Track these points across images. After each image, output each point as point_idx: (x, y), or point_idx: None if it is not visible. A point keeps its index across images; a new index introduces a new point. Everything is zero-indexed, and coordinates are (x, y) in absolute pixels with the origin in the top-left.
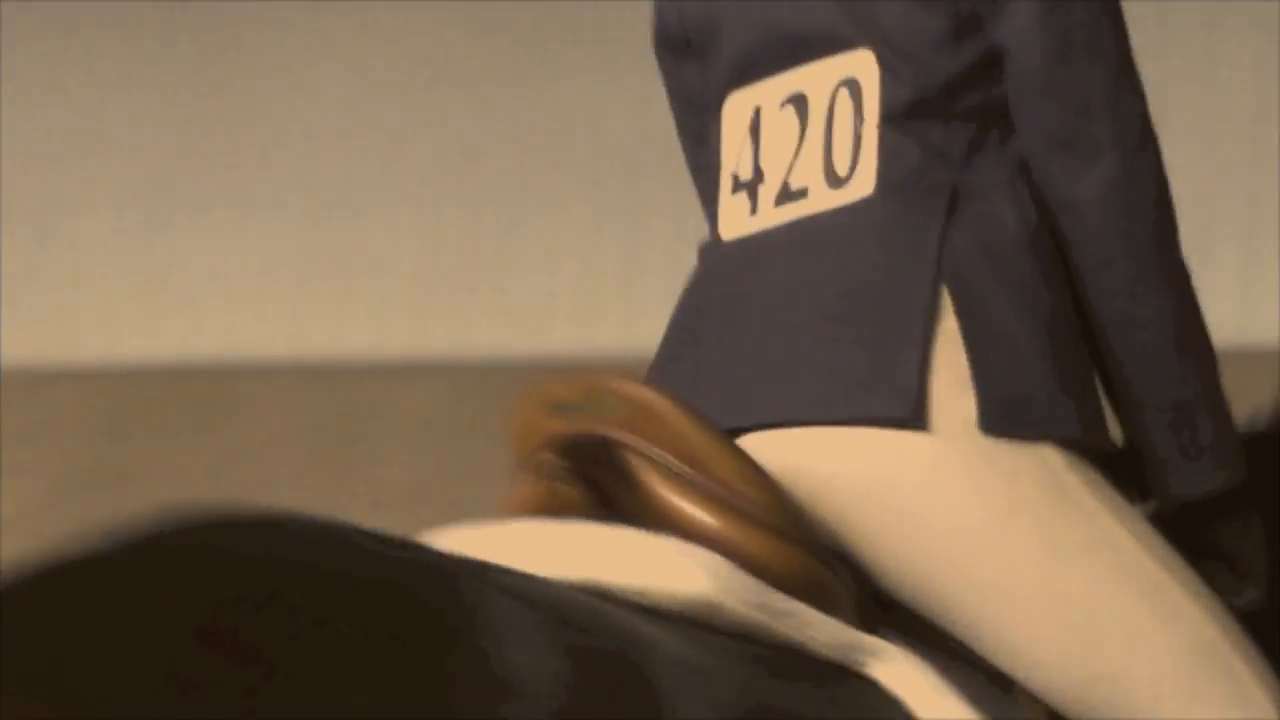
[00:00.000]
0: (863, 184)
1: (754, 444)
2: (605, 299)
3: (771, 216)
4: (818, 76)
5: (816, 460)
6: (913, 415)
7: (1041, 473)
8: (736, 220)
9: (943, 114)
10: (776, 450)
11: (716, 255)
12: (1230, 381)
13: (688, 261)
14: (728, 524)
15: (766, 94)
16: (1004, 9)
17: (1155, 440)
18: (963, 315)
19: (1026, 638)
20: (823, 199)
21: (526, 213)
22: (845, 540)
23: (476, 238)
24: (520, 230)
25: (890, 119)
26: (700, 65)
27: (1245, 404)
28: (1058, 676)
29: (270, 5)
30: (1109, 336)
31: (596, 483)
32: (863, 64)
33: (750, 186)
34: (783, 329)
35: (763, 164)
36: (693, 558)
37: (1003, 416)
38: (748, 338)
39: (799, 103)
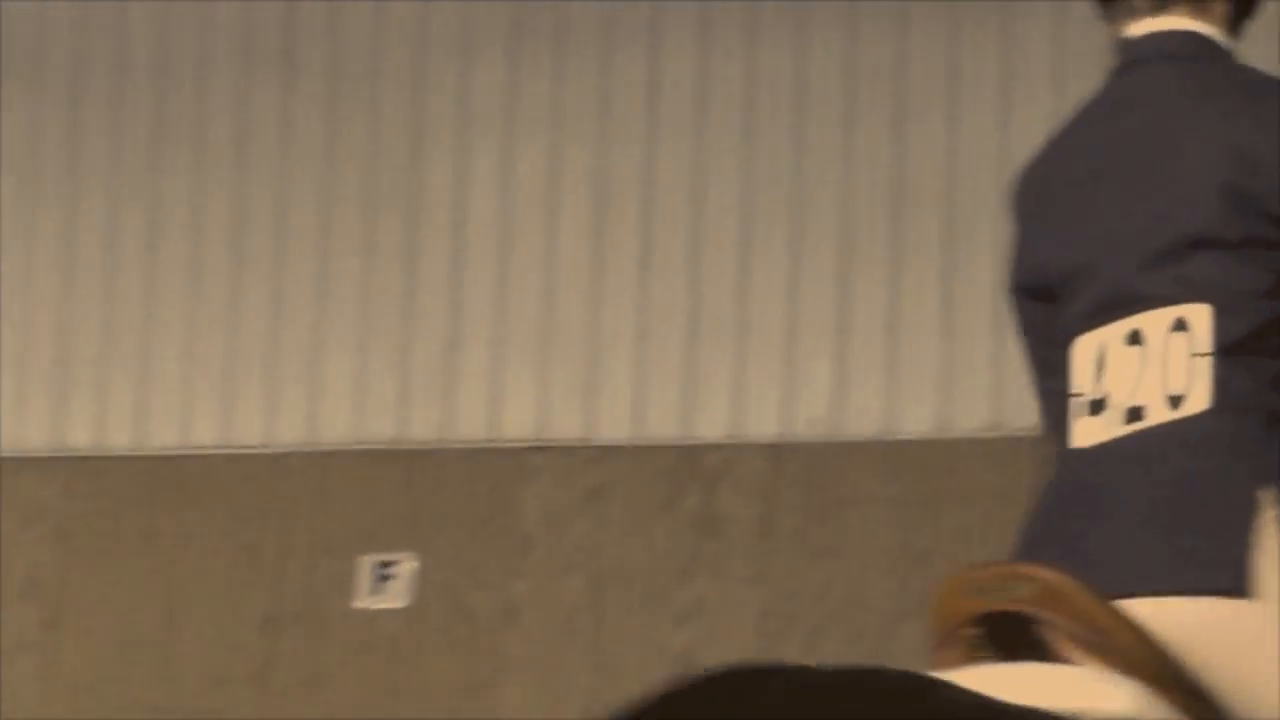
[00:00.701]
0: (1197, 402)
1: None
2: (204, 396)
3: (1119, 430)
4: (1154, 321)
5: (1182, 628)
6: (1243, 588)
7: None
8: (1089, 433)
9: (1260, 350)
10: (1153, 619)
11: (1074, 461)
12: None
13: (289, 359)
14: (1132, 676)
15: (1111, 335)
16: None
17: None
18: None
19: None
20: (1161, 414)
21: (128, 311)
22: (1205, 689)
23: (81, 335)
24: (123, 328)
25: (1221, 352)
26: (1052, 309)
27: None
28: None
29: None
30: None
31: (1012, 650)
32: (1195, 312)
33: (1099, 407)
34: (1138, 518)
35: (1110, 389)
36: (1116, 684)
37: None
38: (1110, 525)
39: (1138, 339)
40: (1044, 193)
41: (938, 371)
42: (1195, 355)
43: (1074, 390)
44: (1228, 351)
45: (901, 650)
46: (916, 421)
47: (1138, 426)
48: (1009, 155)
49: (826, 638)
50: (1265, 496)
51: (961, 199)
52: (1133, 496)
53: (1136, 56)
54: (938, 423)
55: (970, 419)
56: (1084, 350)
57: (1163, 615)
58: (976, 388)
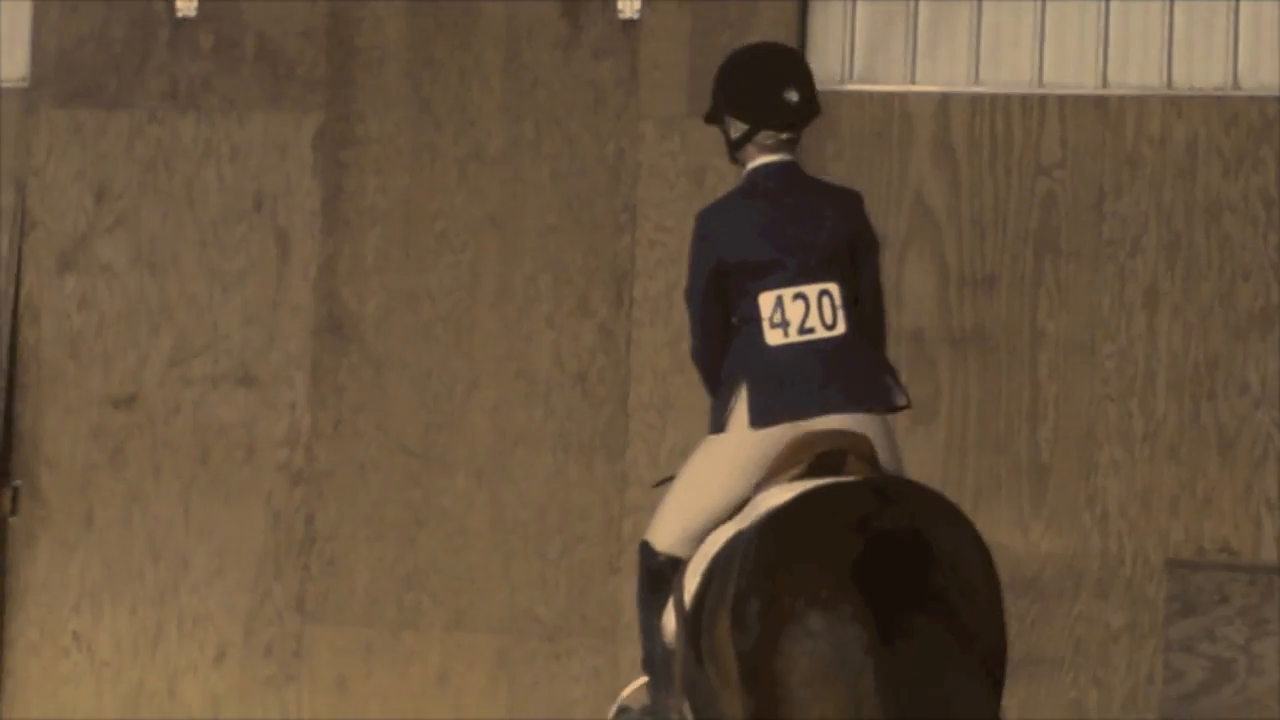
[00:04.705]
0: (841, 328)
1: (855, 424)
2: None
3: (797, 339)
4: (812, 287)
5: (872, 426)
6: (892, 408)
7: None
8: (776, 339)
9: (859, 302)
10: (867, 430)
11: (772, 350)
12: None
13: None
14: (871, 471)
15: (785, 293)
16: (866, 271)
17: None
18: (887, 371)
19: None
20: (824, 334)
21: None
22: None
23: None
24: None
25: (845, 303)
26: (733, 278)
27: None
28: None
29: None
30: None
31: (834, 466)
32: (832, 285)
33: (782, 326)
34: (839, 379)
35: (787, 317)
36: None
37: (897, 408)
38: (828, 384)
39: (802, 296)
40: (733, 227)
41: None
42: (836, 307)
43: (763, 317)
44: (848, 305)
45: None
46: None
47: (811, 337)
48: None
49: None
50: (887, 372)
51: None
52: (831, 367)
53: (771, 172)
54: None
55: None
56: (768, 298)
57: (864, 422)
58: None
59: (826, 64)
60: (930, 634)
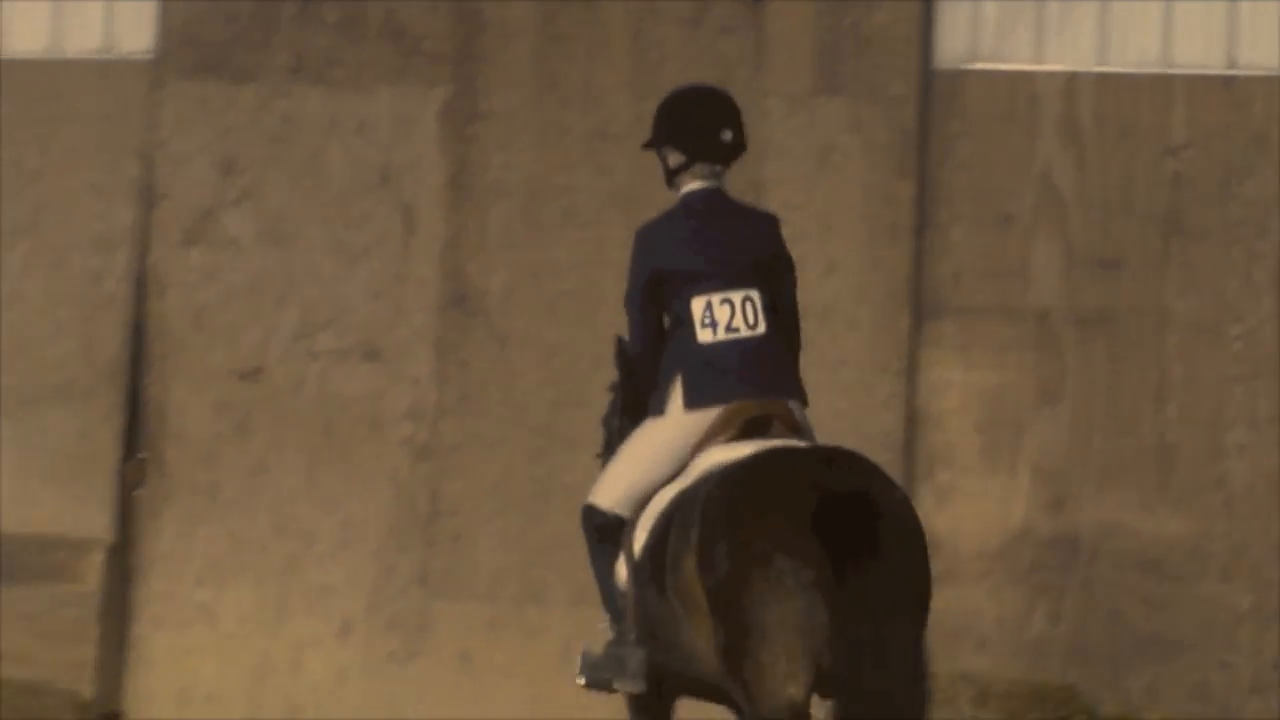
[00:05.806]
0: (761, 328)
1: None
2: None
3: (724, 337)
4: (736, 293)
5: (793, 411)
6: (802, 398)
7: None
8: (706, 337)
9: (776, 310)
10: (790, 411)
11: (704, 346)
12: None
13: None
14: (795, 436)
15: (714, 297)
16: (783, 285)
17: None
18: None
19: None
20: (748, 332)
21: None
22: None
23: None
24: None
25: (765, 308)
26: (667, 285)
27: None
28: None
29: None
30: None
31: (762, 429)
32: (754, 292)
33: (711, 326)
34: (761, 369)
35: (716, 319)
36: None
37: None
38: (753, 373)
39: (728, 301)
40: (669, 241)
41: None
42: (757, 310)
43: (695, 319)
44: (767, 310)
45: None
46: (28, 40)
47: (736, 335)
48: None
49: None
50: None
51: None
52: (753, 360)
53: (703, 197)
54: (50, 43)
55: (83, 40)
56: (699, 302)
57: (789, 407)
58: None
59: (953, 43)
60: (874, 578)
